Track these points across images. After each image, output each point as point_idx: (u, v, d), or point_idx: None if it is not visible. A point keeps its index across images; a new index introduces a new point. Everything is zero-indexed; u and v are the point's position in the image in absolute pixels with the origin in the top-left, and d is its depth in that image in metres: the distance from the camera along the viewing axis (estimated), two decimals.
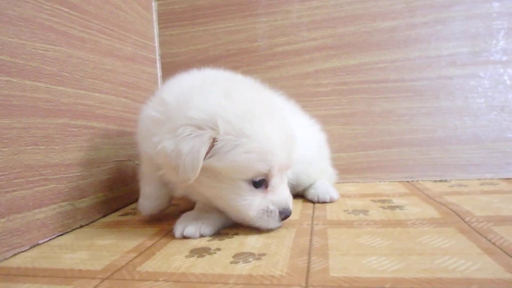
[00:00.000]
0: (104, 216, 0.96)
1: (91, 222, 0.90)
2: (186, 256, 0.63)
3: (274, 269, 0.56)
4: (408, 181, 1.22)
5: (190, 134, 0.66)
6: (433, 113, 1.22)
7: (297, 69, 1.28)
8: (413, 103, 1.23)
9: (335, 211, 0.88)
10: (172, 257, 0.63)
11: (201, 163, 0.66)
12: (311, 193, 1.01)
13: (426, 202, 0.92)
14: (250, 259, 0.60)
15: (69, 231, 0.84)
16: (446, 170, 1.21)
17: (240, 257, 0.62)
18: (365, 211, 0.86)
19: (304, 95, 1.22)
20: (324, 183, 1.03)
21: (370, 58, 1.24)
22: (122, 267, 0.60)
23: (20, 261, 0.67)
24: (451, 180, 1.21)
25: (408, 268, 0.53)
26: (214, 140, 0.67)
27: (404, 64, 1.23)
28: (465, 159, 1.21)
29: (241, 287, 0.51)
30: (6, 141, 0.70)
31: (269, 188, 0.74)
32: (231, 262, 0.59)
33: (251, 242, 0.69)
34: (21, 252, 0.71)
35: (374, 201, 0.96)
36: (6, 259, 0.68)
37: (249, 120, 0.69)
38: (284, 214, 0.75)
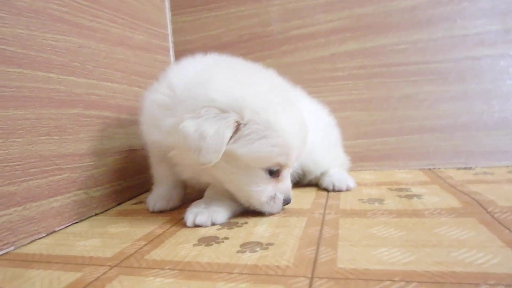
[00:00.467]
0: (118, 204, 0.97)
1: (106, 210, 0.92)
2: (194, 245, 0.63)
3: (280, 259, 0.55)
4: (429, 169, 1.18)
5: (215, 116, 0.66)
6: (457, 97, 1.16)
7: (312, 53, 1.24)
8: (436, 87, 1.17)
9: (349, 200, 0.86)
10: (180, 246, 0.63)
11: (224, 147, 0.66)
12: (326, 181, 0.99)
13: (447, 191, 0.88)
14: (257, 249, 0.60)
15: (84, 219, 0.85)
16: (471, 157, 1.16)
17: (247, 246, 0.61)
18: (380, 200, 0.84)
19: (319, 80, 1.18)
20: (340, 170, 1.01)
21: (390, 40, 1.18)
22: (131, 255, 0.61)
23: (36, 247, 0.69)
24: (475, 167, 1.16)
25: (421, 260, 0.51)
26: (239, 125, 0.67)
27: (426, 45, 1.17)
28: (491, 146, 1.16)
29: (246, 277, 0.50)
30: (20, 131, 0.71)
31: (280, 177, 0.76)
32: (238, 252, 0.59)
33: (260, 231, 0.68)
34: (38, 239, 0.73)
35: (391, 189, 0.94)
36: (24, 245, 0.70)
37: (275, 113, 0.70)
38: (286, 202, 0.79)
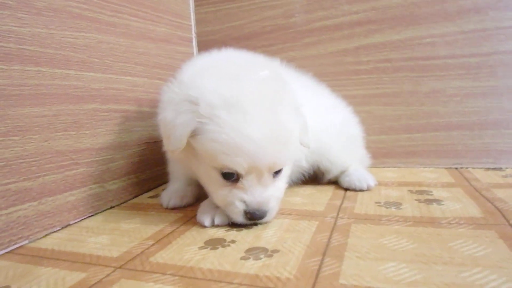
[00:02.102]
0: (135, 197, 0.99)
1: (122, 203, 0.93)
2: (200, 248, 0.63)
3: (283, 270, 0.54)
4: (456, 168, 1.13)
5: (187, 109, 0.68)
6: (488, 93, 1.10)
7: (336, 46, 1.20)
8: (465, 82, 1.11)
9: (365, 203, 0.83)
10: (186, 248, 0.64)
11: (185, 138, 0.68)
12: (346, 181, 0.96)
13: (470, 196, 0.84)
14: (262, 256, 0.59)
15: (100, 212, 0.87)
16: (500, 157, 1.10)
17: (252, 252, 0.61)
18: (398, 204, 0.81)
19: (342, 73, 1.14)
20: (359, 169, 0.99)
21: (418, 33, 1.12)
22: (137, 256, 0.62)
23: (50, 242, 0.71)
24: (506, 168, 1.10)
25: (428, 280, 0.49)
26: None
27: (456, 38, 1.10)
28: None
29: None
30: (37, 128, 0.73)
31: (239, 184, 0.70)
32: (242, 258, 0.59)
33: (268, 235, 0.68)
34: (53, 232, 0.76)
35: (411, 191, 0.90)
36: (38, 239, 0.72)
37: (228, 109, 0.66)
38: (252, 215, 0.70)
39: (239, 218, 0.71)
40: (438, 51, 1.12)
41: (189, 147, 0.70)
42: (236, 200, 0.70)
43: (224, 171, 0.69)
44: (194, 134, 0.68)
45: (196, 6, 1.34)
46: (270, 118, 0.68)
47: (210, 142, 0.66)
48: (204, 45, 1.17)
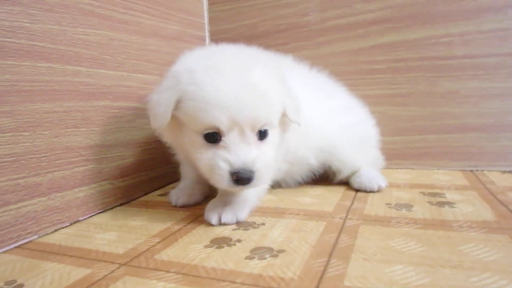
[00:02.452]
0: (144, 194, 0.99)
1: (131, 201, 0.94)
2: (205, 246, 0.63)
3: (287, 270, 0.54)
4: (471, 171, 1.11)
5: (171, 85, 0.70)
6: (505, 94, 1.06)
7: (350, 45, 1.18)
8: (482, 83, 1.08)
9: (375, 204, 0.82)
10: (192, 246, 0.64)
11: (169, 111, 0.69)
12: (356, 182, 0.95)
13: (484, 199, 0.82)
14: (267, 256, 0.58)
15: (109, 209, 0.88)
16: None
17: (257, 252, 0.60)
18: (409, 206, 0.79)
19: (356, 73, 1.12)
20: (370, 170, 0.97)
21: (434, 32, 1.10)
22: (142, 253, 0.62)
23: (58, 237, 0.72)
24: None
25: (435, 284, 0.48)
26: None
27: (474, 37, 1.07)
28: None
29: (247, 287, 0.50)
30: (47, 124, 0.73)
31: (221, 143, 0.69)
32: (246, 257, 0.58)
33: (274, 234, 0.67)
34: (62, 228, 0.76)
35: (423, 194, 0.89)
36: (47, 234, 0.73)
37: (206, 71, 0.69)
38: (237, 176, 0.67)
39: (225, 182, 0.68)
40: (455, 50, 1.09)
41: (174, 122, 0.72)
42: (220, 161, 0.68)
43: (206, 132, 0.69)
44: (177, 105, 0.70)
45: (210, 4, 1.34)
46: (247, 78, 0.69)
47: (191, 102, 0.68)
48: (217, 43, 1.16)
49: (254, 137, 0.70)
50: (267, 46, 0.98)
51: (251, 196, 0.79)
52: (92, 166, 0.83)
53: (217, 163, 0.68)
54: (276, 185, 0.96)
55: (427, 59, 1.12)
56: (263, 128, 0.71)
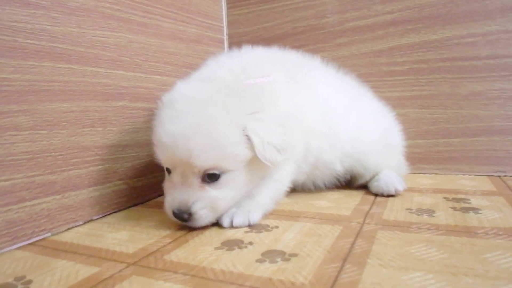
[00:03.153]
0: (159, 195, 0.98)
1: (146, 201, 0.94)
2: (216, 248, 0.62)
3: (298, 274, 0.52)
4: (499, 176, 1.06)
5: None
6: None
7: (369, 46, 1.16)
8: (508, 84, 1.04)
9: (395, 209, 0.79)
10: (202, 247, 0.62)
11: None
12: (374, 186, 0.93)
13: None
14: (278, 259, 0.57)
15: (123, 209, 0.88)
16: None
17: (268, 255, 0.58)
18: (430, 212, 0.76)
19: (376, 75, 1.10)
20: (388, 173, 0.94)
21: (456, 32, 1.07)
22: (152, 253, 0.61)
23: (70, 236, 0.72)
24: None
25: None
26: None
27: (499, 37, 1.03)
28: None
29: None
30: (64, 123, 0.74)
31: (171, 179, 0.72)
32: (257, 260, 0.56)
33: (287, 238, 0.65)
34: (75, 226, 0.77)
35: (447, 199, 0.85)
36: (60, 232, 0.74)
37: (165, 106, 0.73)
38: (174, 214, 0.70)
39: (169, 214, 0.71)
40: (478, 51, 1.06)
41: None
42: (167, 195, 0.73)
43: (164, 165, 0.74)
44: None
45: (228, 8, 1.34)
46: (191, 120, 0.68)
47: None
48: (236, 47, 1.15)
49: (196, 180, 0.70)
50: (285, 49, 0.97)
51: (265, 199, 0.78)
52: (108, 165, 0.83)
53: (165, 195, 0.73)
54: (298, 189, 0.94)
55: (449, 60, 1.09)
56: (210, 172, 0.69)
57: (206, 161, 0.68)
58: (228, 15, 1.34)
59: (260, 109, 0.72)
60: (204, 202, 0.70)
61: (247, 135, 0.69)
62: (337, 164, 0.90)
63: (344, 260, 0.55)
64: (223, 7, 1.34)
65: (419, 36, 1.11)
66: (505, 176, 1.07)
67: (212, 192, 0.70)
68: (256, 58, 0.86)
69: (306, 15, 1.24)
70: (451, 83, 1.09)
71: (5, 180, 0.65)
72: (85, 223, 0.79)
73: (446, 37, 1.08)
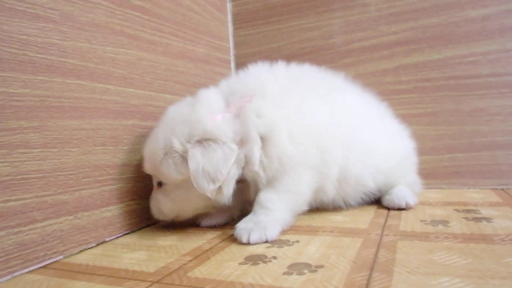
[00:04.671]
0: None
1: (158, 222, 0.91)
2: (240, 263, 0.61)
3: (328, 284, 0.51)
4: (502, 189, 1.08)
5: None
6: None
7: (375, 66, 1.19)
8: (509, 101, 1.08)
9: (410, 221, 0.79)
10: (226, 263, 0.61)
11: None
12: (386, 200, 0.94)
13: None
14: (305, 271, 0.56)
15: (136, 230, 0.86)
16: None
17: (295, 267, 0.57)
18: (445, 222, 0.76)
19: (383, 93, 1.10)
20: (402, 188, 0.95)
21: (458, 52, 1.11)
22: (174, 271, 0.59)
23: (84, 258, 0.69)
24: None
25: None
26: None
27: (499, 56, 1.08)
28: None
29: None
30: (76, 141, 0.73)
31: None
32: (284, 273, 0.55)
33: (311, 251, 0.64)
34: (88, 249, 0.74)
35: (457, 210, 0.86)
36: (73, 254, 0.71)
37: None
38: None
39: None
40: (480, 69, 1.10)
41: None
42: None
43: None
44: None
45: (235, 29, 1.37)
46: (156, 137, 0.78)
47: None
48: (242, 67, 1.18)
49: (156, 185, 0.83)
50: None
51: (282, 214, 0.77)
52: (120, 185, 0.82)
53: None
54: (329, 207, 0.93)
55: (452, 79, 1.12)
56: (158, 180, 0.82)
57: (148, 170, 0.81)
58: (234, 36, 1.37)
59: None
60: (153, 202, 0.84)
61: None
62: (369, 181, 0.91)
63: (371, 269, 0.55)
64: (230, 28, 1.37)
65: (423, 56, 1.15)
66: (508, 188, 1.09)
67: (159, 195, 0.82)
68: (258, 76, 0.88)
69: (313, 36, 1.27)
70: (455, 100, 1.12)
71: (16, 200, 0.63)
72: (98, 244, 0.76)
73: (448, 57, 1.12)
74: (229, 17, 1.37)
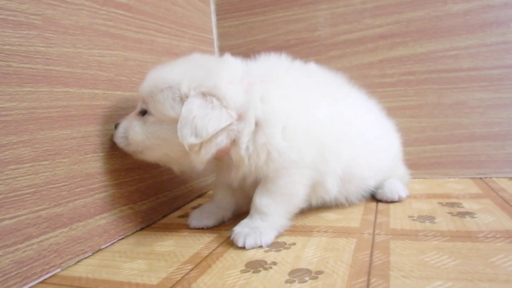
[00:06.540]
0: (164, 216, 0.97)
1: (151, 224, 0.92)
2: (241, 271, 0.62)
3: None
4: (481, 178, 1.13)
5: None
6: (510, 104, 1.10)
7: (360, 59, 1.20)
8: (488, 94, 1.11)
9: (399, 217, 0.83)
10: (227, 272, 0.63)
11: None
12: (379, 193, 0.98)
13: (501, 207, 0.84)
14: (307, 278, 0.58)
15: (130, 235, 0.85)
16: None
17: (296, 274, 0.59)
18: (431, 218, 0.80)
19: (368, 86, 1.10)
20: (393, 182, 0.98)
21: (441, 45, 1.13)
22: (178, 282, 0.60)
23: (83, 269, 0.69)
24: None
25: None
26: None
27: (479, 50, 1.11)
28: None
29: None
30: (66, 151, 0.71)
31: None
32: (286, 281, 0.57)
33: (308, 255, 0.67)
34: (84, 259, 0.73)
35: (442, 204, 0.90)
36: (70, 266, 0.70)
37: None
38: None
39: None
40: (461, 63, 1.13)
41: None
42: None
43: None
44: None
45: (218, 20, 1.34)
46: (169, 69, 0.77)
47: None
48: None
49: (136, 112, 0.81)
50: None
51: (279, 220, 0.78)
52: (112, 191, 0.81)
53: None
54: (332, 204, 0.93)
55: (434, 72, 1.15)
56: (143, 106, 0.79)
57: (143, 93, 0.77)
58: (218, 27, 1.34)
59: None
60: (124, 125, 0.79)
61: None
62: (371, 180, 0.94)
63: (369, 274, 0.58)
64: (213, 19, 1.34)
65: (407, 49, 1.16)
66: (486, 178, 1.14)
67: (136, 122, 0.78)
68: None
69: (298, 28, 1.26)
70: (437, 94, 1.15)
71: (10, 218, 0.61)
72: (94, 253, 0.76)
73: (431, 50, 1.14)
74: (212, 8, 1.34)
